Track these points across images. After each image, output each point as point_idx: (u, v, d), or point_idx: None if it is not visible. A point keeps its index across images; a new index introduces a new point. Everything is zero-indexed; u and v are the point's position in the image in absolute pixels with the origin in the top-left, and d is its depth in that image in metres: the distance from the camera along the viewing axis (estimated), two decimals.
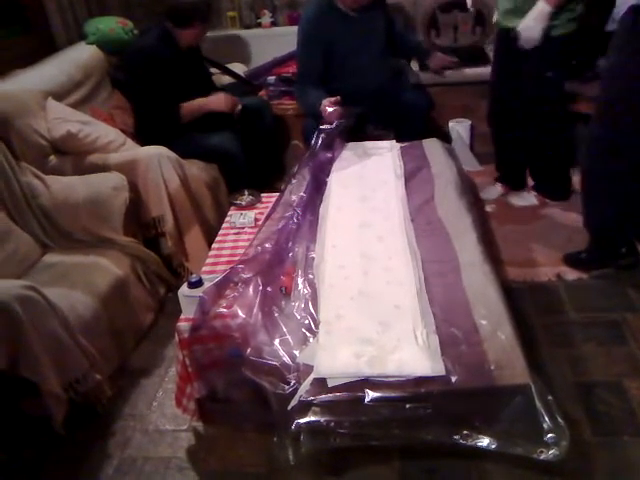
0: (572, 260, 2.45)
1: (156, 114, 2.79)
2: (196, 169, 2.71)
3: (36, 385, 1.68)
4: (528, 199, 2.96)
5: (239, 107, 2.94)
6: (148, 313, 2.35)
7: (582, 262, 2.42)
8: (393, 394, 1.37)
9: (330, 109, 2.60)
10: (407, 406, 1.36)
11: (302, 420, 1.37)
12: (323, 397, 1.38)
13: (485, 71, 3.43)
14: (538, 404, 1.31)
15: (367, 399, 1.36)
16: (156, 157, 2.47)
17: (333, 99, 2.64)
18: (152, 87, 2.75)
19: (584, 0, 2.43)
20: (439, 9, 3.60)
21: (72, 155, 2.53)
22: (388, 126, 3.03)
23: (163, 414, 1.93)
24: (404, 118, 2.91)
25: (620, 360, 1.95)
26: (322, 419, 1.37)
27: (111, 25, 3.21)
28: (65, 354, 1.76)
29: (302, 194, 2.19)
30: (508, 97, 2.73)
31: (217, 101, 2.88)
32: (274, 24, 3.93)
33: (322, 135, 2.49)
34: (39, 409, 1.74)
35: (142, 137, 2.81)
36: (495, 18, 2.71)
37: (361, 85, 2.90)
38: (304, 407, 1.38)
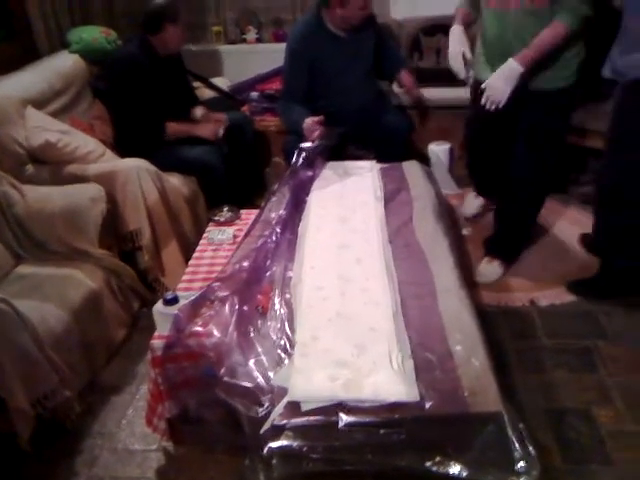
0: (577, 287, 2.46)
1: (138, 127, 2.77)
2: (175, 182, 2.69)
3: (2, 400, 1.64)
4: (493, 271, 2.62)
5: (221, 132, 2.96)
6: (121, 328, 2.31)
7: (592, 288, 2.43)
8: (367, 419, 1.36)
9: (312, 128, 2.62)
10: (381, 431, 1.35)
11: (275, 444, 1.35)
12: (296, 421, 1.37)
13: (465, 93, 3.49)
14: (510, 432, 1.32)
15: (341, 424, 1.35)
16: (135, 169, 2.45)
17: (317, 118, 2.66)
18: (132, 97, 2.74)
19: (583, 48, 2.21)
20: (422, 32, 3.65)
21: (50, 165, 2.50)
22: (369, 146, 3.05)
23: (133, 433, 1.90)
24: (385, 140, 2.94)
25: (590, 387, 1.97)
26: (295, 443, 1.35)
27: (94, 34, 3.19)
28: (34, 369, 1.73)
29: (281, 212, 2.19)
30: (487, 158, 2.68)
31: (205, 130, 2.90)
32: (259, 40, 3.94)
33: (303, 153, 2.50)
34: (5, 425, 1.70)
35: (121, 148, 2.79)
36: (470, 73, 2.44)
37: (345, 105, 2.92)
38: (277, 431, 1.37)
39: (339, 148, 2.85)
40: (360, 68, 2.94)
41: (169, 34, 2.80)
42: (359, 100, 2.96)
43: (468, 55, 2.32)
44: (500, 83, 2.16)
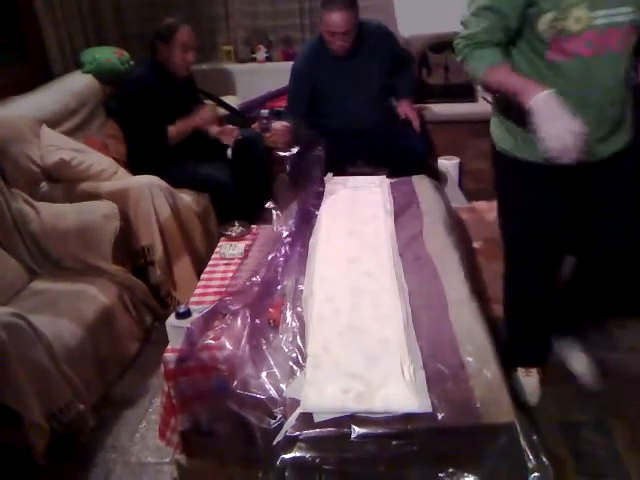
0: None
1: (145, 139, 2.82)
2: (187, 199, 2.73)
3: (18, 414, 1.66)
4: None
5: (236, 135, 3.02)
6: (134, 342, 2.33)
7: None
8: (379, 430, 1.36)
9: (280, 132, 2.71)
10: (393, 443, 1.35)
11: (287, 455, 1.35)
12: (309, 432, 1.37)
13: (473, 108, 3.52)
14: (523, 443, 1.31)
15: (353, 435, 1.35)
16: (148, 186, 2.49)
17: (286, 124, 2.76)
18: (144, 116, 2.79)
19: None
20: (430, 49, 3.69)
21: (64, 182, 2.54)
22: (382, 166, 2.93)
23: (146, 446, 1.91)
24: (400, 161, 2.88)
25: (604, 399, 1.96)
26: (308, 455, 1.35)
27: (108, 55, 3.26)
28: (49, 383, 1.74)
29: (291, 226, 2.21)
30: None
31: (200, 115, 2.93)
32: (268, 59, 4.00)
33: (292, 161, 2.53)
34: (20, 439, 1.71)
35: (134, 166, 2.84)
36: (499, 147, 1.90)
37: (351, 125, 2.94)
38: (290, 442, 1.37)
39: (345, 164, 2.87)
40: (365, 89, 2.94)
41: (164, 54, 2.85)
42: (367, 120, 2.98)
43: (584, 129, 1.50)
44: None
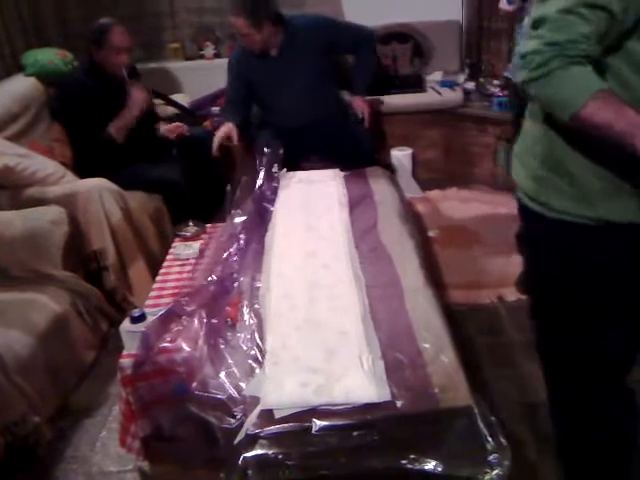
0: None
1: (93, 144, 2.75)
2: (139, 200, 2.67)
3: None
4: None
5: (184, 131, 3.01)
6: (89, 350, 2.28)
7: None
8: (340, 422, 1.37)
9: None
10: (354, 434, 1.35)
11: (249, 454, 1.34)
12: (270, 429, 1.37)
13: (423, 99, 3.56)
14: (481, 425, 1.33)
15: (315, 429, 1.35)
16: (97, 189, 2.43)
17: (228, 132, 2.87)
18: (84, 119, 2.73)
19: None
20: (378, 41, 3.71)
21: (9, 189, 2.46)
22: (333, 160, 2.91)
23: (107, 455, 1.87)
24: (350, 158, 2.85)
25: None
26: (270, 452, 1.35)
27: (50, 57, 3.16)
28: (1, 396, 1.69)
29: (246, 223, 2.19)
30: None
31: (132, 99, 2.83)
32: (217, 56, 3.95)
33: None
34: None
35: (82, 170, 2.76)
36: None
37: (293, 121, 2.94)
38: (251, 440, 1.36)
39: (298, 160, 2.87)
40: (300, 83, 2.90)
41: (99, 57, 2.79)
42: (308, 114, 2.95)
43: None
44: None
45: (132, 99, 2.83)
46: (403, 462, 1.35)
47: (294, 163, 2.78)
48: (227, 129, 2.89)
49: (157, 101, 3.36)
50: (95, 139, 2.74)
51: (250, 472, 1.36)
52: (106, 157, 2.76)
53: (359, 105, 3.06)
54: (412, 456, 1.35)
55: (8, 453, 1.70)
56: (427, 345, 1.54)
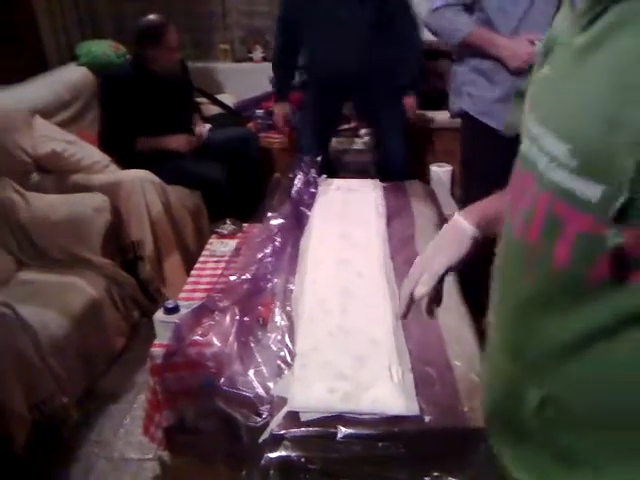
0: None
1: (116, 136, 2.80)
2: (179, 195, 2.71)
3: None
4: None
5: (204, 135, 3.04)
6: (120, 337, 2.31)
7: None
8: (366, 431, 1.36)
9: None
10: (379, 444, 1.34)
11: (273, 454, 1.34)
12: (295, 431, 1.36)
13: None
14: None
15: (340, 435, 1.35)
16: (139, 181, 2.47)
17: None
18: (121, 110, 2.78)
19: None
20: (425, 56, 3.70)
21: (55, 174, 2.52)
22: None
23: (129, 442, 1.89)
24: (385, 164, 2.86)
25: None
26: (293, 454, 1.34)
27: (104, 48, 3.25)
28: (33, 373, 1.72)
29: (282, 225, 2.20)
30: None
31: (177, 141, 2.90)
32: (265, 59, 4.00)
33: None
34: (1, 428, 1.69)
35: (125, 161, 2.81)
36: None
37: (336, 68, 2.75)
38: (275, 441, 1.36)
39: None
40: (348, 31, 2.63)
41: (151, 54, 2.83)
42: (353, 63, 2.70)
43: None
44: None
45: (176, 140, 2.89)
46: (426, 478, 1.33)
47: (332, 112, 2.79)
48: (283, 111, 2.88)
49: (203, 100, 3.41)
50: (121, 133, 2.78)
51: (272, 472, 1.36)
52: (120, 152, 2.79)
53: (410, 103, 2.97)
54: (436, 473, 1.33)
55: (34, 431, 1.73)
56: (458, 362, 1.52)
